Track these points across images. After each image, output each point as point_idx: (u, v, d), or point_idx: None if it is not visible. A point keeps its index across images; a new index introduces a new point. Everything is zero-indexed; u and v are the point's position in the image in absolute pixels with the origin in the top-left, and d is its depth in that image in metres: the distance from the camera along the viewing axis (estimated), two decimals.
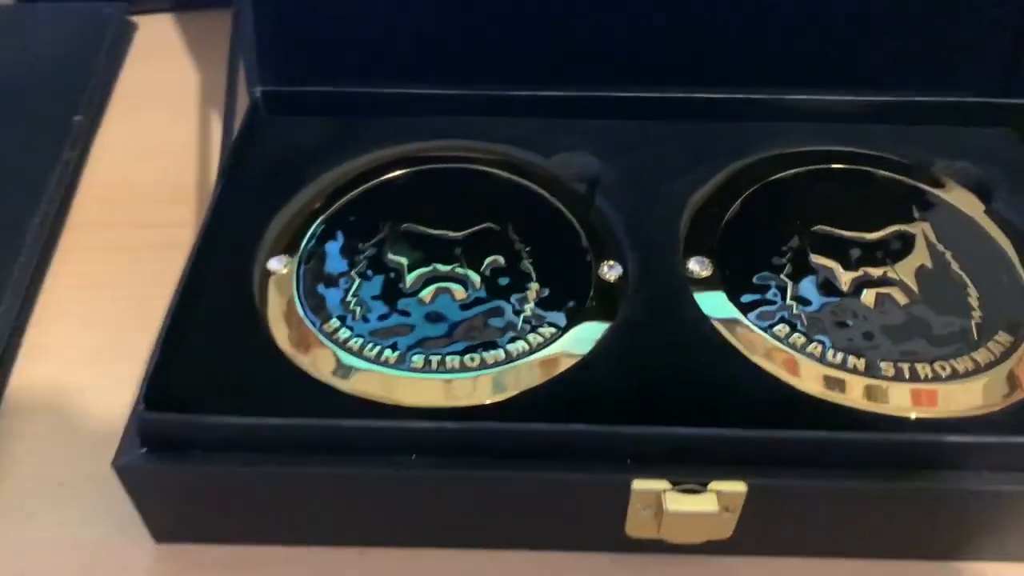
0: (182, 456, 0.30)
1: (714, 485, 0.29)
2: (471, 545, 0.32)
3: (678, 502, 0.29)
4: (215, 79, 0.52)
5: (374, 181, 0.40)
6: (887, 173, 0.40)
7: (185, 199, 0.45)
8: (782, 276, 0.36)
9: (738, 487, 0.29)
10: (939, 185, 0.40)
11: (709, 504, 0.29)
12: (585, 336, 0.34)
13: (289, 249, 0.37)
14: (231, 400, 0.31)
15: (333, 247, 0.37)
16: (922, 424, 0.31)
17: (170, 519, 0.32)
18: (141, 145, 0.48)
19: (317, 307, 0.35)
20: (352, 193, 0.39)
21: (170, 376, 0.32)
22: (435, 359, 0.33)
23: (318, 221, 0.38)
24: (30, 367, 0.38)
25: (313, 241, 0.38)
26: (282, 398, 0.31)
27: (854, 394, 0.32)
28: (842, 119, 0.42)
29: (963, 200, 0.39)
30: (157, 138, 0.48)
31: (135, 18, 0.56)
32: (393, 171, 0.40)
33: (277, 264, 0.37)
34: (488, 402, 0.32)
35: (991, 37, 0.42)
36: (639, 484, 0.29)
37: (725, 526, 0.30)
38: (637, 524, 0.30)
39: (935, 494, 0.30)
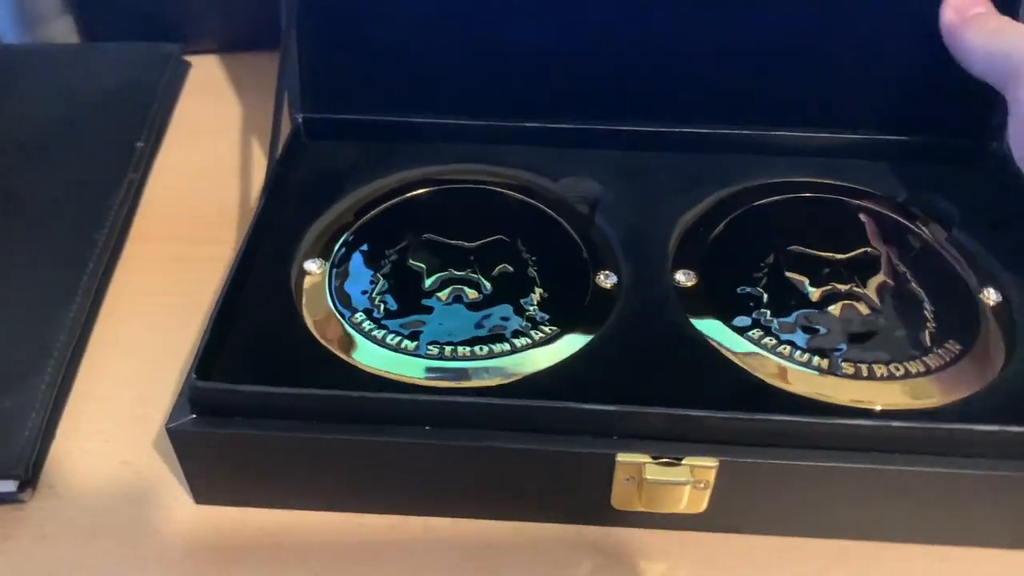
0: (225, 421, 0.34)
1: (688, 460, 0.33)
2: (474, 515, 0.37)
3: (657, 473, 0.33)
4: (259, 111, 0.57)
5: (399, 198, 0.45)
6: (858, 202, 0.45)
7: (232, 218, 0.50)
8: (758, 288, 0.40)
9: (709, 462, 0.33)
10: (905, 214, 0.45)
11: (684, 475, 0.33)
12: (582, 333, 0.38)
13: (323, 254, 0.42)
14: (270, 375, 0.36)
15: (361, 253, 0.42)
16: (875, 414, 0.35)
17: (210, 482, 0.36)
18: (194, 169, 0.53)
19: (345, 303, 0.40)
20: (379, 208, 0.44)
21: (218, 353, 0.36)
22: (448, 348, 0.38)
23: (349, 231, 0.43)
24: (96, 360, 0.43)
25: (344, 248, 0.43)
26: (314, 376, 0.36)
27: (816, 388, 0.36)
28: (819, 154, 0.47)
29: (927, 228, 0.44)
30: (208, 163, 0.54)
31: (189, 58, 0.62)
32: (416, 190, 0.45)
33: (312, 266, 0.42)
34: (494, 384, 0.36)
35: (959, 85, 0.46)
36: (623, 457, 0.33)
37: (700, 499, 0.34)
38: (621, 495, 0.35)
39: (887, 475, 0.34)
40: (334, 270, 0.41)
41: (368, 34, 0.48)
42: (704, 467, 0.33)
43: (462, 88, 0.49)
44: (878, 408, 0.35)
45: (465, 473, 0.35)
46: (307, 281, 0.41)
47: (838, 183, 0.46)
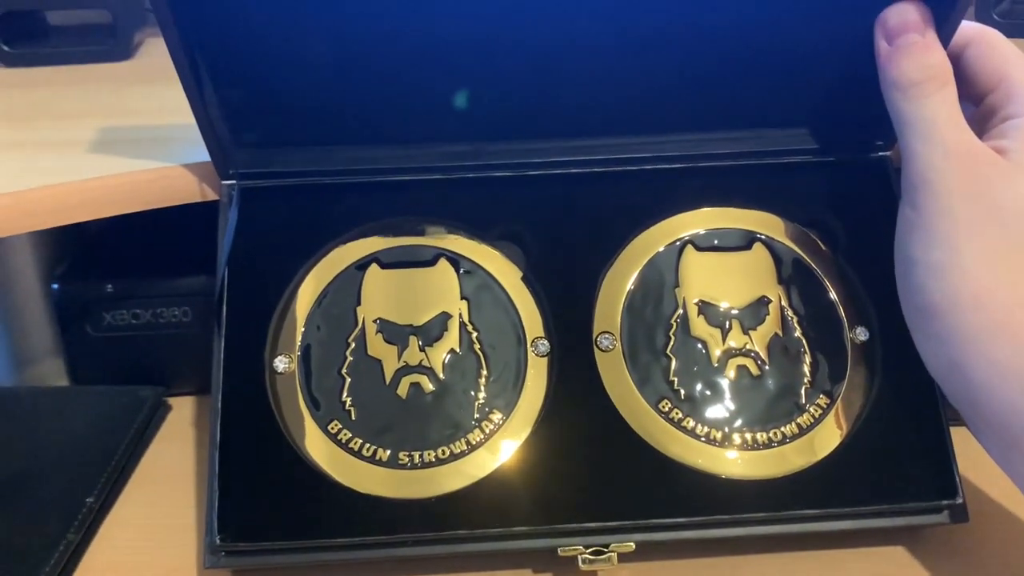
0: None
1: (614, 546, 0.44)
2: None
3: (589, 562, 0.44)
4: None
5: (347, 276, 0.48)
6: (759, 235, 0.50)
7: None
8: (668, 352, 0.47)
9: (628, 547, 0.44)
10: (801, 241, 0.50)
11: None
12: (524, 420, 0.46)
13: (288, 349, 0.47)
14: (275, 521, 0.44)
15: (322, 345, 0.47)
16: (755, 487, 0.45)
17: None
18: (151, 527, 0.50)
19: (319, 407, 0.46)
20: (329, 290, 0.48)
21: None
22: (416, 455, 0.45)
23: (305, 320, 0.47)
24: None
25: (305, 342, 0.47)
26: (315, 506, 0.44)
27: (712, 463, 0.45)
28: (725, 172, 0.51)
29: (817, 258, 0.49)
30: (168, 519, 0.50)
31: (172, 399, 0.59)
32: (360, 266, 0.49)
33: (281, 364, 0.47)
34: (457, 488, 0.45)
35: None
36: (563, 551, 0.44)
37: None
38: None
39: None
40: (302, 367, 0.47)
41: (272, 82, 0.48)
42: (624, 550, 0.44)
43: (380, 122, 0.50)
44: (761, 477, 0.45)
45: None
46: (280, 384, 0.46)
47: (740, 209, 0.50)
